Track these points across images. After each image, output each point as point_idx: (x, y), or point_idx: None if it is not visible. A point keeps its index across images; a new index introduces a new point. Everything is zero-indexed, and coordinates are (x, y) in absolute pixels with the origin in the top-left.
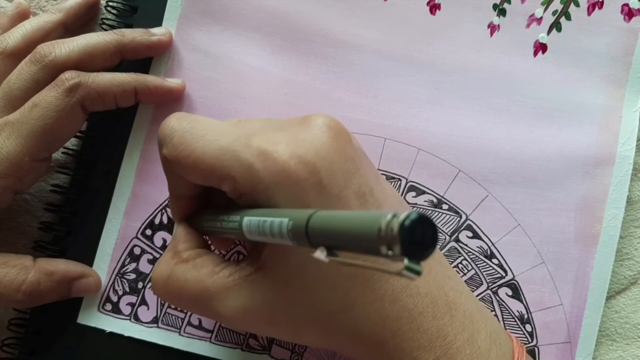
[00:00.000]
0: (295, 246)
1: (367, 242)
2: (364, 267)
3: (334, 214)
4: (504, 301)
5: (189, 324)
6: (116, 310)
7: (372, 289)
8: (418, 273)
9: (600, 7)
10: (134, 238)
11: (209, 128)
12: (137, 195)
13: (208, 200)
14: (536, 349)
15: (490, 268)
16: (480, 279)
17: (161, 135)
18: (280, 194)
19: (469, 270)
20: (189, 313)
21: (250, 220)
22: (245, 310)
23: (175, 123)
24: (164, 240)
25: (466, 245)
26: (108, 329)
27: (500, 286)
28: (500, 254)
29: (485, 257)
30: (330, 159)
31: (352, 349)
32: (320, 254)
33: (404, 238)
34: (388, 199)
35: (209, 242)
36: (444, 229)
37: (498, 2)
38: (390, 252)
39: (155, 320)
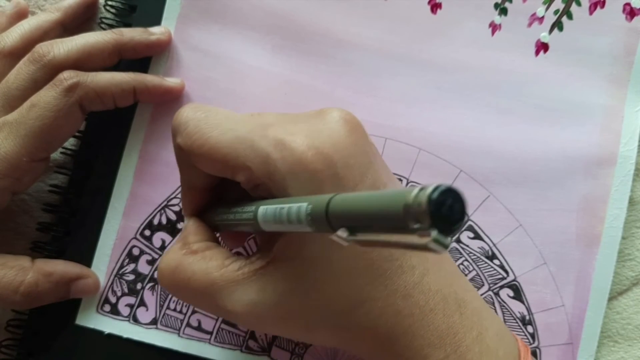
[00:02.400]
0: (308, 240)
1: (393, 219)
2: (387, 245)
3: (355, 195)
4: (505, 302)
5: (188, 325)
6: (115, 311)
7: (385, 284)
8: (445, 246)
9: (602, 7)
10: (132, 239)
11: (224, 117)
12: (136, 196)
13: (219, 195)
14: (538, 350)
15: (492, 269)
16: (481, 279)
17: (175, 124)
18: (296, 184)
19: (470, 271)
20: (188, 314)
21: (266, 208)
22: (254, 305)
23: (190, 112)
24: (163, 241)
25: (467, 245)
26: (107, 330)
27: (501, 287)
28: (501, 254)
29: (487, 257)
30: (347, 152)
31: (362, 346)
32: (341, 234)
33: (433, 209)
34: None
35: (220, 239)
36: None
37: (499, 1)
38: (417, 226)
39: (154, 322)
